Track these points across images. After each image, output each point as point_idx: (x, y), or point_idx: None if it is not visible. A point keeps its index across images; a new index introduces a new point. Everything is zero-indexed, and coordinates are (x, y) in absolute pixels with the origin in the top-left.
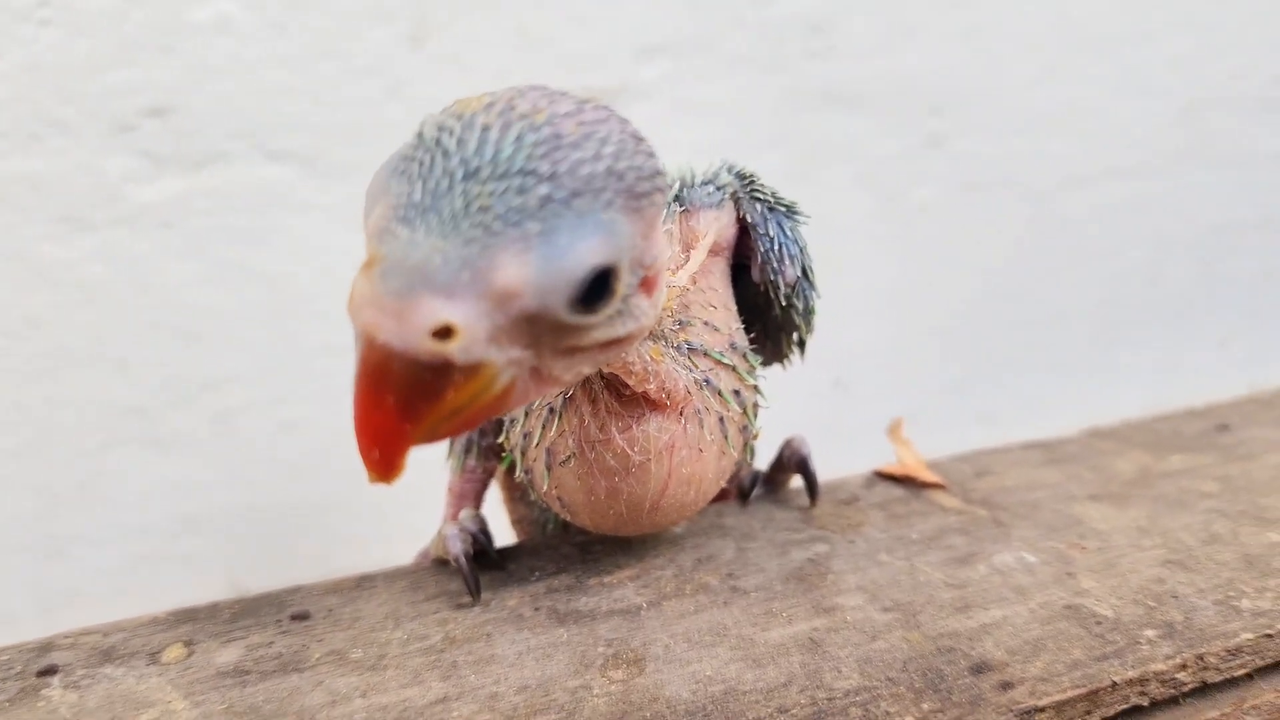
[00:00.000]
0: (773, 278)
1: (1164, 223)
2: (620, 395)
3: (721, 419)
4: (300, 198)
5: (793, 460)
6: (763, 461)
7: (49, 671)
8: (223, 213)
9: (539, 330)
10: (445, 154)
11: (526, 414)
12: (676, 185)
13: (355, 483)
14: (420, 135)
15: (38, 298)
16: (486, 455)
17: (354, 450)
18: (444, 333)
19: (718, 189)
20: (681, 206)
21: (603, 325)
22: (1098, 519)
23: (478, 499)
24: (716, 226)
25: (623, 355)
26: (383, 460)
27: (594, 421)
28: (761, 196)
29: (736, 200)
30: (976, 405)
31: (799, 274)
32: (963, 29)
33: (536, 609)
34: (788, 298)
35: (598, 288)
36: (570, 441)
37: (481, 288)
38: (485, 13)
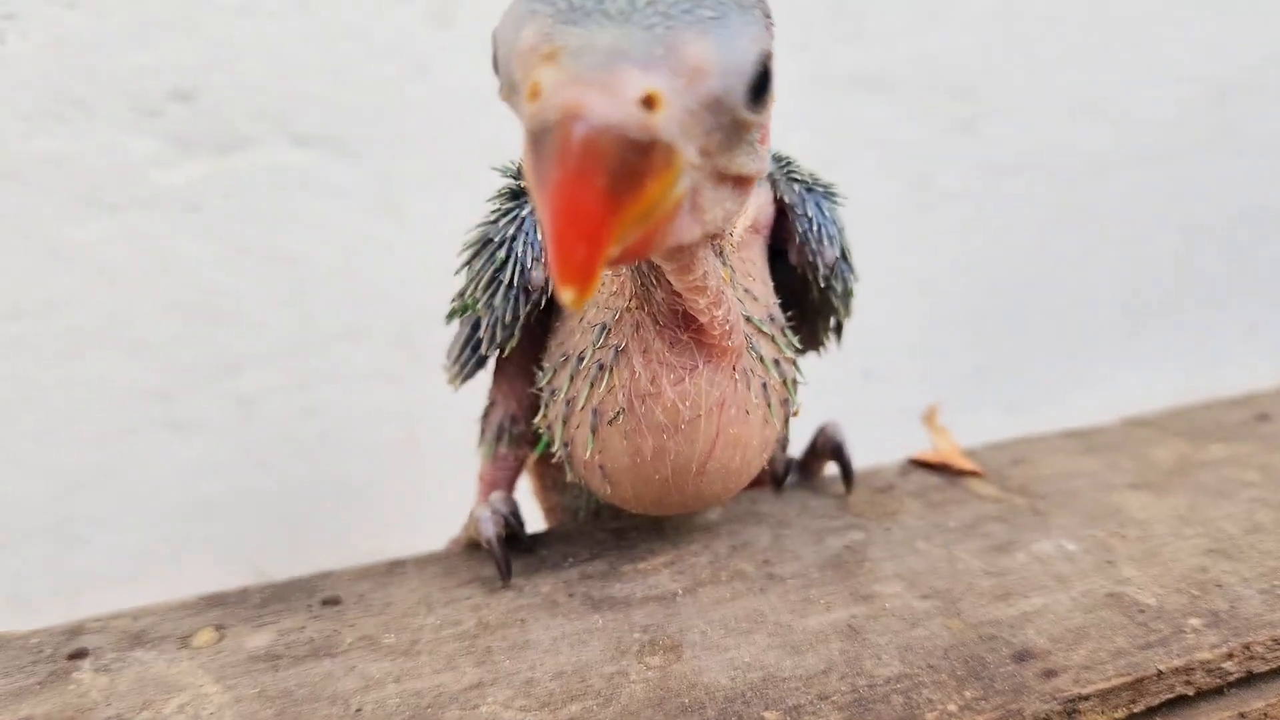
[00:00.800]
0: (811, 259)
1: (1193, 208)
2: (675, 341)
3: (765, 385)
4: (323, 180)
5: (827, 447)
6: (796, 449)
7: (79, 655)
8: (245, 195)
9: (713, 128)
10: None
11: (572, 378)
12: None
13: (377, 466)
14: None
15: (58, 279)
16: (518, 442)
17: (376, 432)
18: (648, 104)
19: None
20: None
21: (750, 147)
22: (1137, 508)
23: (509, 487)
24: (756, 203)
25: (727, 228)
26: (586, 262)
27: (646, 373)
28: (799, 178)
29: (774, 182)
30: (1005, 393)
31: (838, 255)
32: (992, 12)
33: (571, 595)
34: (826, 279)
35: (764, 80)
36: (620, 397)
37: (675, 62)
38: None
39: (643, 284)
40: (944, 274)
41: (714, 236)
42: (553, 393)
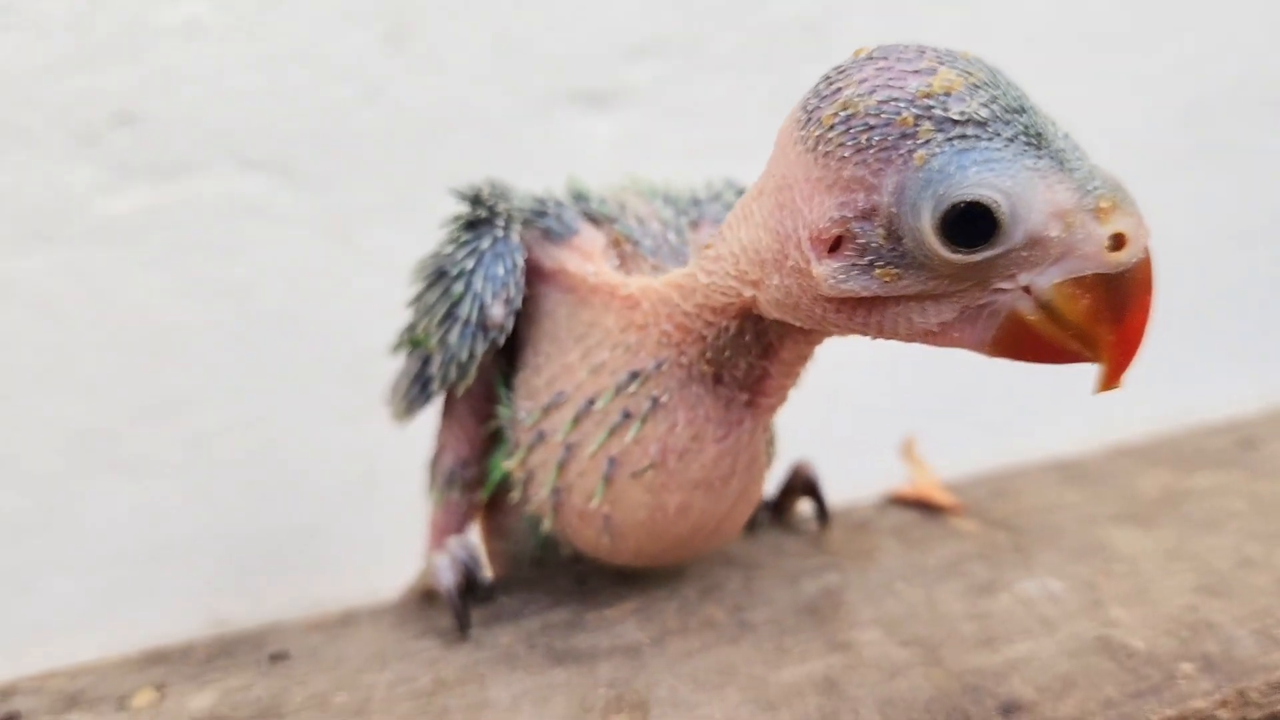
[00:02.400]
0: None
1: (1172, 228)
2: (731, 401)
3: (770, 439)
4: (274, 209)
5: (800, 484)
6: (768, 487)
7: (11, 718)
8: (191, 225)
9: None
10: (1014, 110)
11: (577, 421)
12: (691, 197)
13: (332, 506)
14: (990, 95)
15: None
16: (470, 487)
17: (331, 472)
18: None
19: (725, 207)
20: (689, 218)
21: None
22: (1123, 543)
23: (460, 532)
24: None
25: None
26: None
27: (688, 429)
28: None
29: None
30: (982, 416)
31: None
32: (961, 30)
33: (532, 647)
34: None
35: None
36: (652, 449)
37: None
38: (464, 14)
39: (734, 349)
40: None
41: None
42: (540, 435)
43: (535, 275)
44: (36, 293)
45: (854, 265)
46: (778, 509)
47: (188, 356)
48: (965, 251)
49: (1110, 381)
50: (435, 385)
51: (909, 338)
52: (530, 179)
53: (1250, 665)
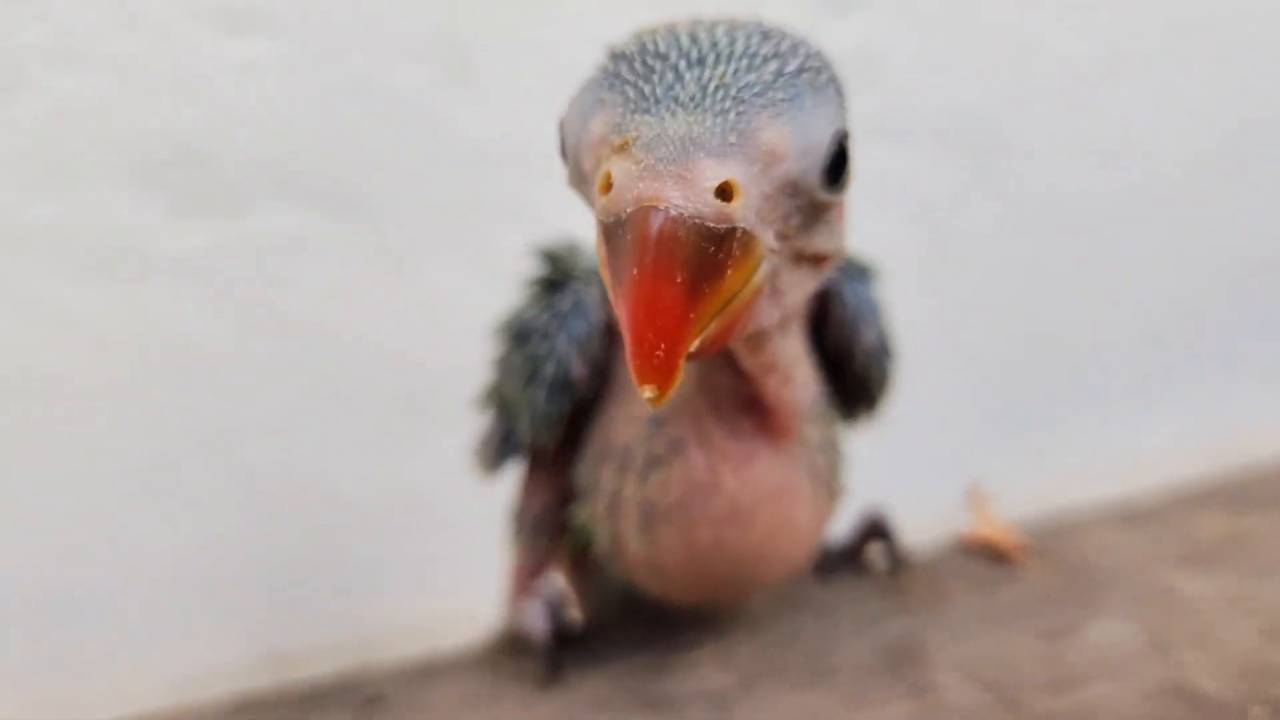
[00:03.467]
0: (846, 344)
1: (1211, 255)
2: (736, 430)
3: (815, 467)
4: (330, 244)
5: (874, 529)
6: (840, 530)
7: None
8: (249, 261)
9: (791, 211)
10: (660, 56)
11: (619, 471)
12: None
13: (386, 535)
14: (614, 56)
15: (59, 348)
16: (553, 534)
17: (384, 502)
18: (725, 194)
19: None
20: None
21: (827, 226)
22: (1186, 585)
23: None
24: None
25: (797, 304)
26: (668, 358)
27: (705, 464)
28: None
29: None
30: (1027, 443)
31: (875, 339)
32: (1007, 59)
33: (622, 690)
34: (863, 365)
35: (840, 160)
36: (675, 490)
37: (750, 149)
38: (525, 50)
39: (708, 370)
40: (966, 323)
41: (773, 330)
42: (597, 485)
43: (614, 331)
44: (96, 327)
45: None
46: (851, 553)
47: (243, 388)
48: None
49: (633, 374)
50: (522, 442)
51: None
52: (587, 215)
53: None
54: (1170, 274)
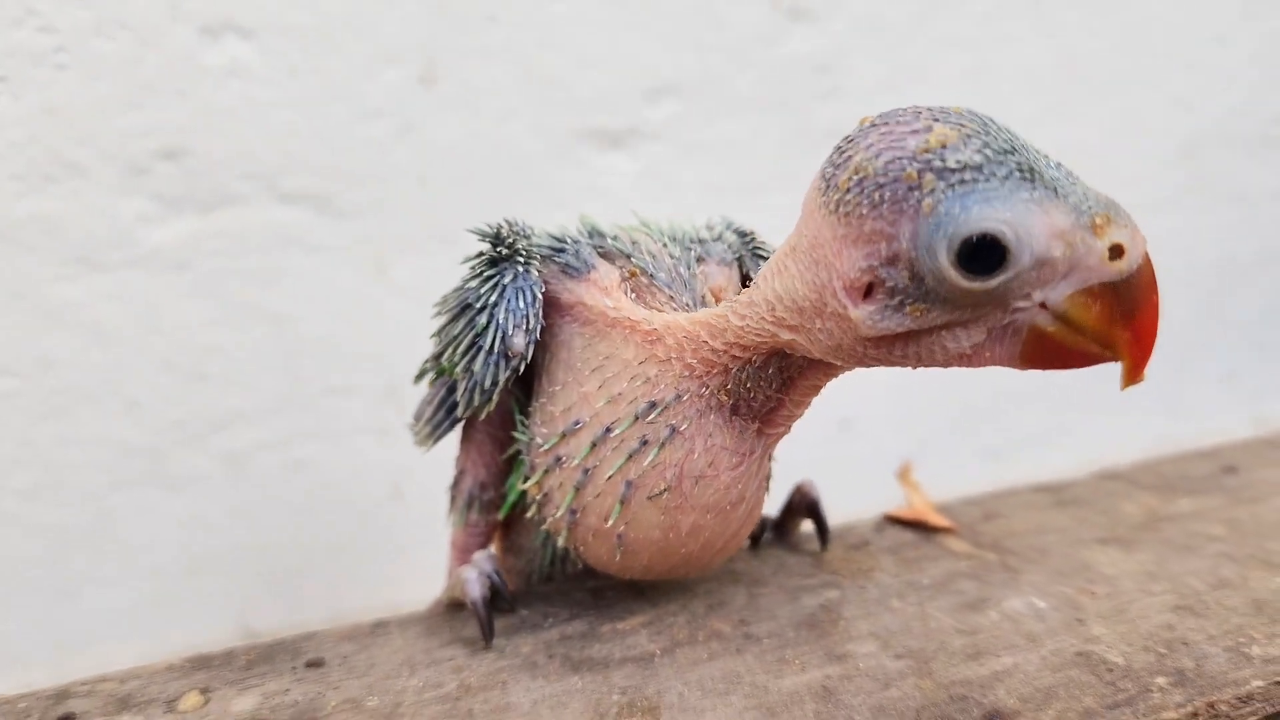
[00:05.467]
0: None
1: (1166, 260)
2: (744, 430)
3: (765, 466)
4: (311, 239)
5: (803, 505)
6: (772, 507)
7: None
8: (234, 254)
9: None
10: (1005, 151)
11: (594, 446)
12: (694, 236)
13: (364, 522)
14: (966, 166)
15: (49, 338)
16: (488, 508)
17: (361, 489)
18: None
19: (728, 247)
20: (695, 254)
21: None
22: (1106, 564)
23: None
24: (727, 278)
25: None
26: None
27: (704, 457)
28: (764, 254)
29: (740, 259)
30: (980, 441)
31: None
32: (966, 70)
33: (550, 656)
34: None
35: None
36: (668, 474)
37: None
38: (494, 55)
39: (755, 380)
40: None
41: None
42: (558, 460)
43: (553, 308)
44: (85, 317)
45: (886, 306)
46: (781, 528)
47: (227, 378)
48: (982, 279)
49: (1133, 376)
50: (459, 411)
51: (946, 363)
52: (554, 213)
53: (1221, 680)
54: None
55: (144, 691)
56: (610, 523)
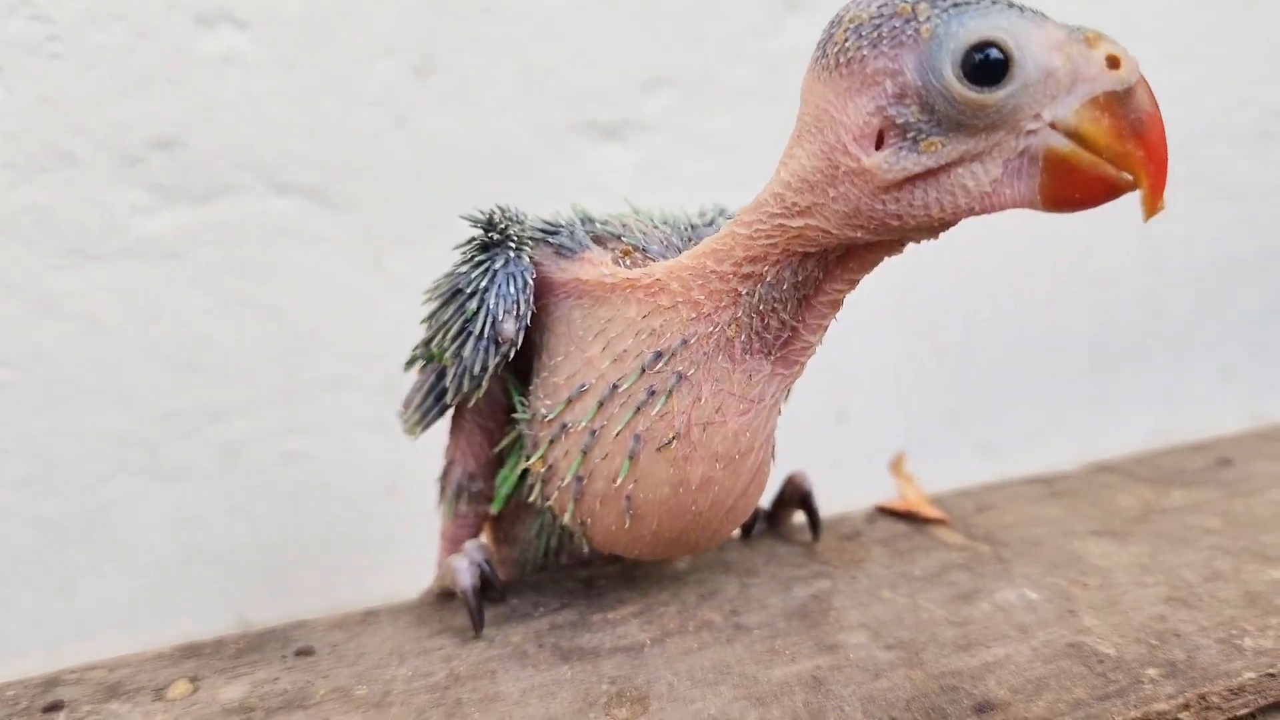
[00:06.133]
0: None
1: (1163, 254)
2: (755, 372)
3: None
4: (306, 230)
5: (795, 495)
6: (765, 498)
7: (54, 708)
8: (229, 245)
9: None
10: None
11: (601, 405)
12: (686, 221)
13: (359, 514)
14: None
15: (44, 329)
16: (477, 500)
17: (356, 481)
18: None
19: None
20: (687, 237)
21: None
22: (1099, 555)
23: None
24: None
25: None
26: (1166, 177)
27: (713, 401)
28: None
29: None
30: (976, 435)
31: None
32: None
33: (540, 645)
34: None
35: None
36: (677, 422)
37: None
38: (489, 47)
39: (767, 305)
40: (917, 316)
41: None
42: (564, 427)
43: (547, 289)
44: (79, 307)
45: (900, 147)
46: (773, 518)
47: (222, 369)
48: (989, 89)
49: (1153, 202)
50: (449, 397)
51: (969, 208)
52: (550, 204)
53: (1213, 672)
54: (1121, 272)
55: (133, 680)
56: (619, 481)
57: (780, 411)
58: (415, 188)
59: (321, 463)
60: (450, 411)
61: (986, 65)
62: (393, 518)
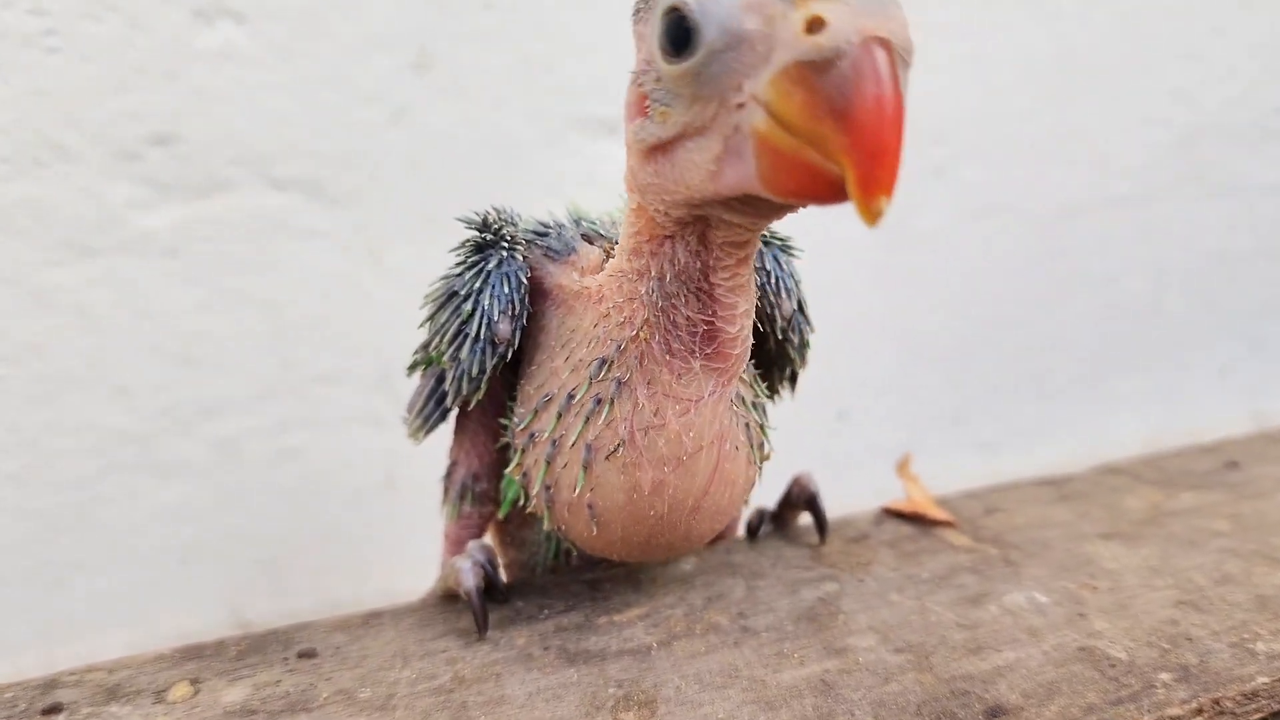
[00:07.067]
0: (769, 311)
1: (1163, 251)
2: (685, 372)
3: (748, 425)
4: (302, 225)
5: (801, 497)
6: (770, 499)
7: (53, 710)
8: (225, 240)
9: None
10: None
11: (560, 416)
12: None
13: (356, 510)
14: None
15: (39, 323)
16: (481, 500)
17: (353, 477)
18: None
19: None
20: None
21: None
22: (1108, 558)
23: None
24: None
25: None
26: (894, 168)
27: (650, 405)
28: None
29: None
30: (978, 433)
31: (795, 307)
32: (964, 58)
33: (546, 648)
34: (784, 331)
35: None
36: (621, 429)
37: (897, 9)
38: (486, 41)
39: (667, 301)
40: (917, 316)
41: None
42: (531, 437)
43: (538, 294)
44: (74, 302)
45: (649, 116)
46: (779, 520)
47: (218, 364)
48: (677, 59)
49: (864, 198)
50: (450, 399)
51: (701, 185)
52: (548, 200)
53: (1226, 676)
54: (1121, 269)
55: (133, 681)
56: (578, 491)
57: (754, 407)
58: (412, 183)
59: (317, 458)
60: (453, 414)
61: (676, 31)
62: (389, 513)
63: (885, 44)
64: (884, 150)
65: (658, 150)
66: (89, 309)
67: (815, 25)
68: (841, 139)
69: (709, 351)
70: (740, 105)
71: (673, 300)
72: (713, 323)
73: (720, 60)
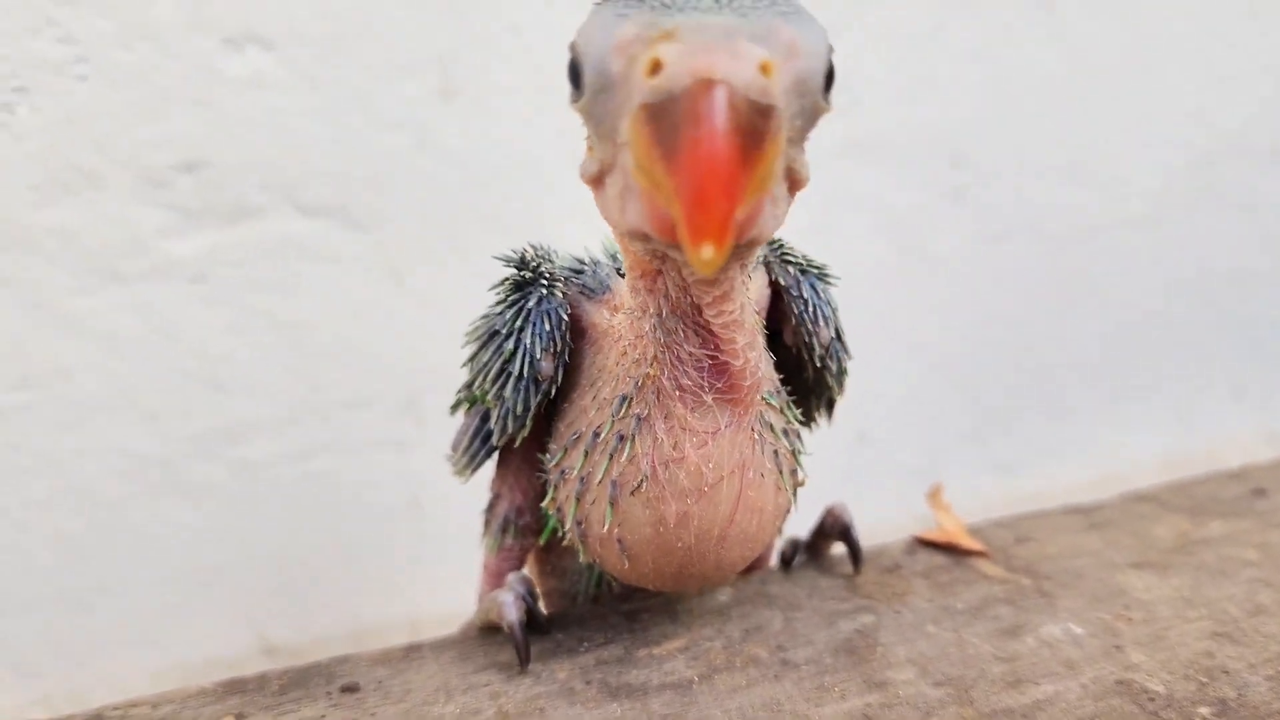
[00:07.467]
0: (807, 339)
1: (1178, 271)
2: (698, 405)
3: (777, 452)
4: (329, 250)
5: (835, 528)
6: (803, 528)
7: None
8: (252, 265)
9: (797, 111)
10: None
11: (587, 454)
12: None
13: (382, 533)
14: None
15: (67, 348)
16: (524, 533)
17: (378, 500)
18: (764, 72)
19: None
20: None
21: (803, 151)
22: (1141, 588)
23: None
24: (755, 287)
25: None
26: (725, 216)
27: (669, 439)
28: (793, 260)
29: (768, 264)
30: (995, 455)
31: (833, 335)
32: (981, 80)
33: (588, 682)
34: (822, 359)
35: (832, 72)
36: (643, 465)
37: (774, 40)
38: (512, 66)
39: (669, 338)
40: (936, 337)
41: (749, 261)
42: (563, 473)
43: (575, 332)
44: (103, 327)
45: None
46: (813, 550)
47: (245, 389)
48: (574, 98)
49: (689, 243)
50: (496, 438)
51: (620, 222)
52: (572, 225)
53: (1264, 710)
54: (1137, 289)
55: (177, 717)
56: (607, 527)
57: (784, 434)
58: (438, 207)
59: (343, 482)
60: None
61: (571, 70)
62: (414, 536)
63: (718, 84)
64: (705, 197)
65: (594, 184)
66: (117, 334)
67: (655, 67)
68: (669, 182)
69: (720, 385)
70: (624, 144)
71: (674, 336)
72: (718, 357)
73: (599, 101)
